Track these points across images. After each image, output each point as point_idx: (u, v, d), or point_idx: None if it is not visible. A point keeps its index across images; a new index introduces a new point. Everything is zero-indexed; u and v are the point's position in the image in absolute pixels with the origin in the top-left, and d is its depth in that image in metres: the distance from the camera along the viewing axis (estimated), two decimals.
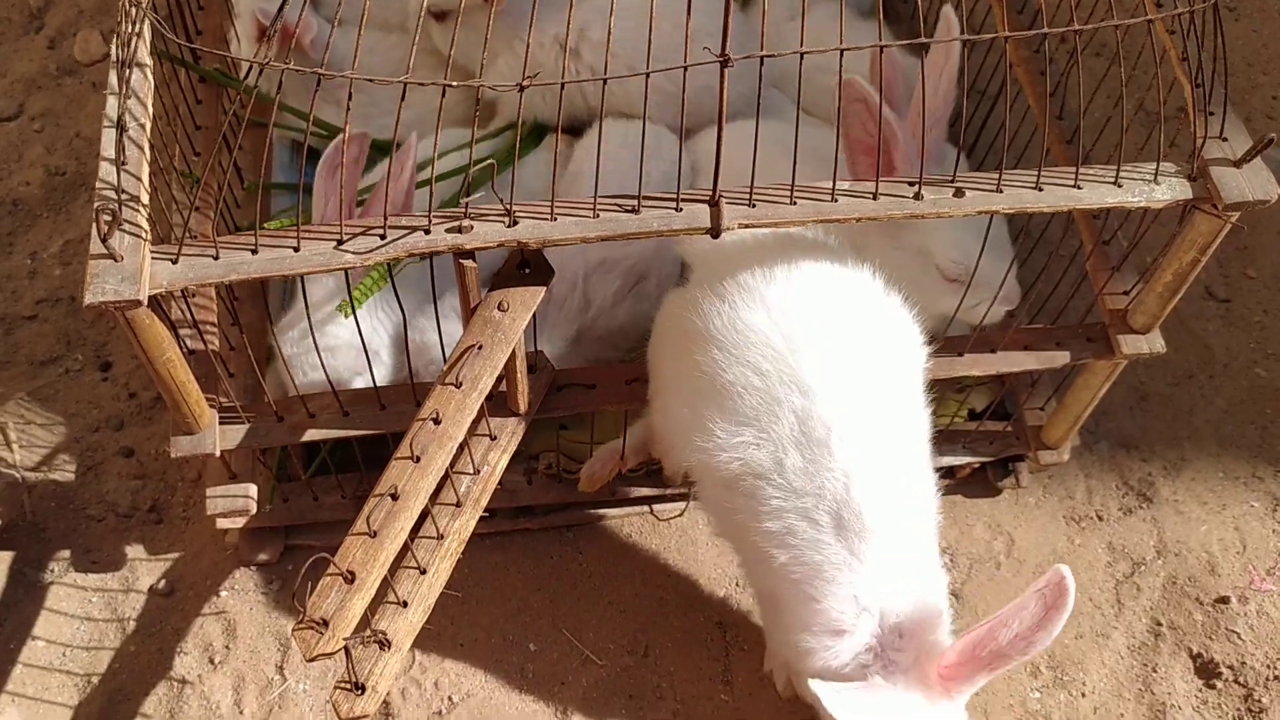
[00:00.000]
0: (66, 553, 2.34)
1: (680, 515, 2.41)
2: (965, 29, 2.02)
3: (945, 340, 2.08)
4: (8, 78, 3.08)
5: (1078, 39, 1.73)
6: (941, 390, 2.43)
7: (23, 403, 2.53)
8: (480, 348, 1.73)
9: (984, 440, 2.42)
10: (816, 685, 1.64)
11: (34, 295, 2.69)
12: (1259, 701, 2.28)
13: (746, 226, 1.70)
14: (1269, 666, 2.31)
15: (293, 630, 1.58)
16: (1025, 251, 2.33)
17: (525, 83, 1.55)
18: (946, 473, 2.46)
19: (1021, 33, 1.77)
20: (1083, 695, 2.28)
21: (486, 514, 2.27)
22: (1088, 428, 2.58)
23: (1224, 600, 2.38)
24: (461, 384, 1.71)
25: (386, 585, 1.70)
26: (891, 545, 1.75)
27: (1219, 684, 2.30)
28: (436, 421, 1.69)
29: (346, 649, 1.61)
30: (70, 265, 2.73)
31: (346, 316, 2.07)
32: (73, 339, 2.63)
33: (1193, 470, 2.57)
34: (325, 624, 1.58)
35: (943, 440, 2.41)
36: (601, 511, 2.40)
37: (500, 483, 2.27)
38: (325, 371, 1.94)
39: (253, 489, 2.14)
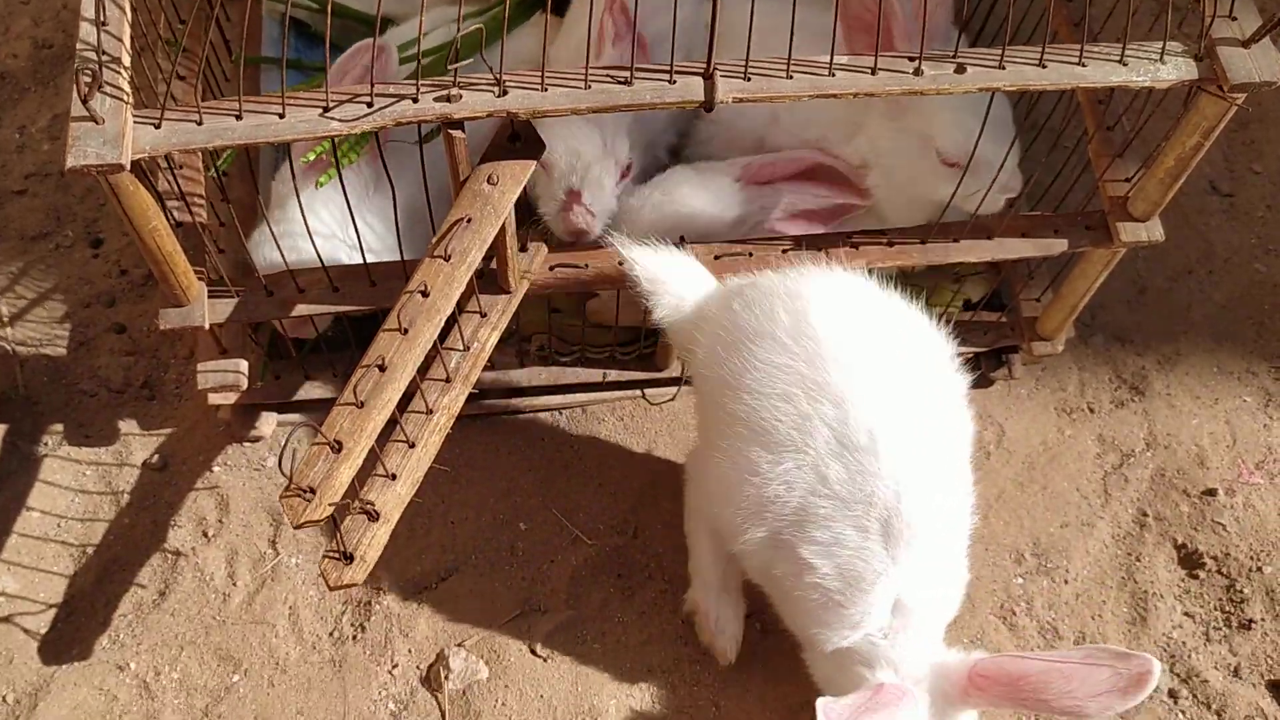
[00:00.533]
0: (60, 426, 2.35)
1: (672, 400, 2.41)
2: None
3: (942, 226, 2.06)
4: None
5: None
6: (937, 279, 2.41)
7: (13, 277, 2.52)
8: (469, 221, 1.71)
9: (978, 331, 2.41)
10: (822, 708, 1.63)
11: (23, 169, 2.66)
12: (1240, 592, 2.31)
13: (741, 101, 1.67)
14: (1253, 558, 2.34)
15: (280, 497, 1.59)
16: (1028, 140, 2.29)
17: None
18: None
19: None
20: (1066, 582, 2.31)
21: (477, 392, 2.28)
22: (1083, 320, 2.57)
23: (1211, 492, 2.39)
24: (450, 257, 1.70)
25: (375, 458, 1.71)
26: (930, 550, 1.75)
27: (1202, 574, 2.33)
28: (424, 294, 1.68)
29: (333, 518, 1.62)
30: (59, 140, 2.70)
31: (319, 187, 2.04)
32: (63, 214, 2.61)
33: (1187, 364, 2.56)
34: (312, 492, 1.58)
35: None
36: (593, 395, 2.40)
37: (491, 363, 2.27)
38: (316, 250, 1.92)
39: (244, 365, 2.14)
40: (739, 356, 1.77)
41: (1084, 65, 1.70)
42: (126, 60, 1.65)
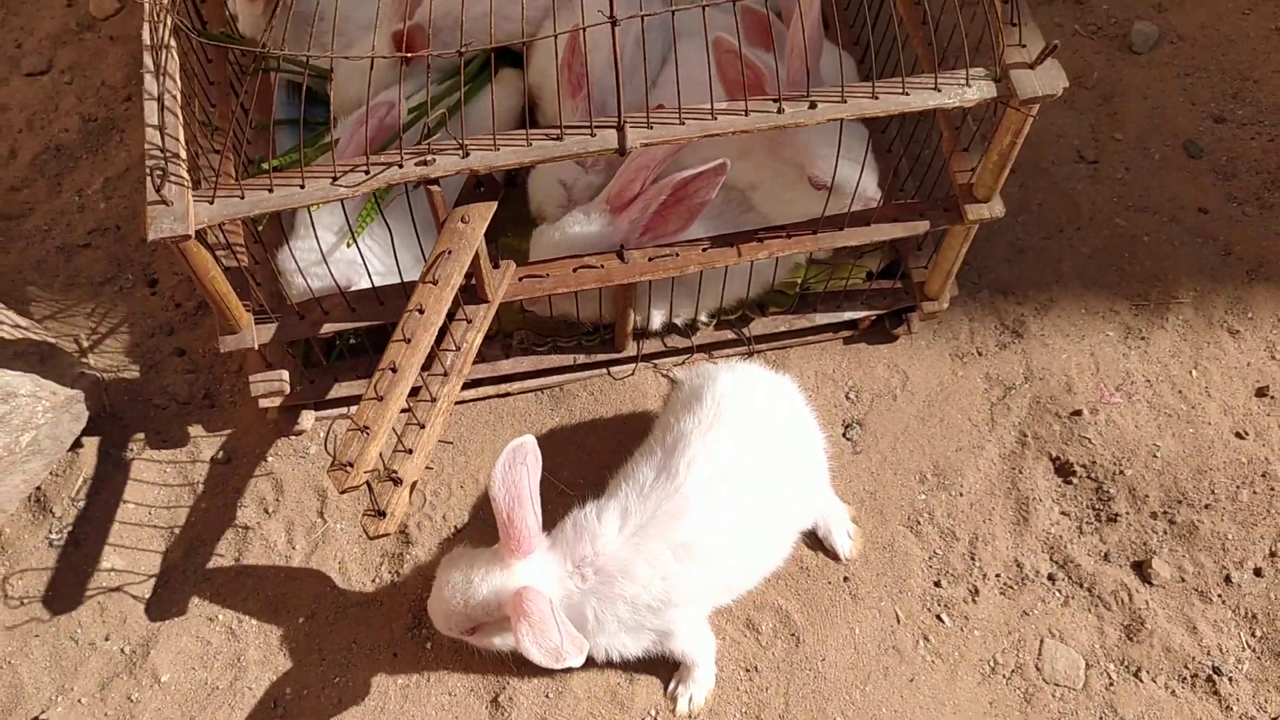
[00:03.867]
0: (141, 435, 2.90)
1: (631, 375, 2.95)
2: None
3: (829, 218, 2.57)
4: (35, 35, 3.54)
5: None
6: (840, 257, 2.93)
7: (90, 317, 3.07)
8: (450, 253, 2.25)
9: (879, 296, 2.94)
10: None
11: (85, 226, 3.21)
12: (1108, 492, 2.83)
13: (649, 145, 2.19)
14: (1115, 463, 2.86)
15: (326, 471, 2.14)
16: (904, 139, 2.81)
17: (463, 49, 2.04)
18: (850, 325, 2.98)
19: None
20: (961, 494, 2.84)
21: (473, 381, 2.82)
22: (971, 279, 3.09)
23: (1078, 413, 2.92)
24: (438, 281, 2.24)
25: (396, 439, 2.25)
26: (641, 559, 2.31)
27: (1074, 480, 2.85)
28: (421, 311, 2.22)
29: (368, 483, 2.17)
30: (112, 199, 3.24)
31: (349, 246, 2.59)
32: (123, 261, 3.16)
33: (1059, 309, 3.08)
34: (350, 465, 2.13)
35: (845, 299, 2.93)
36: (568, 376, 2.94)
37: (482, 355, 2.81)
38: (334, 278, 2.46)
39: (285, 374, 2.68)
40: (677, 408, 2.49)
41: (907, 94, 2.22)
42: (183, 154, 2.18)
